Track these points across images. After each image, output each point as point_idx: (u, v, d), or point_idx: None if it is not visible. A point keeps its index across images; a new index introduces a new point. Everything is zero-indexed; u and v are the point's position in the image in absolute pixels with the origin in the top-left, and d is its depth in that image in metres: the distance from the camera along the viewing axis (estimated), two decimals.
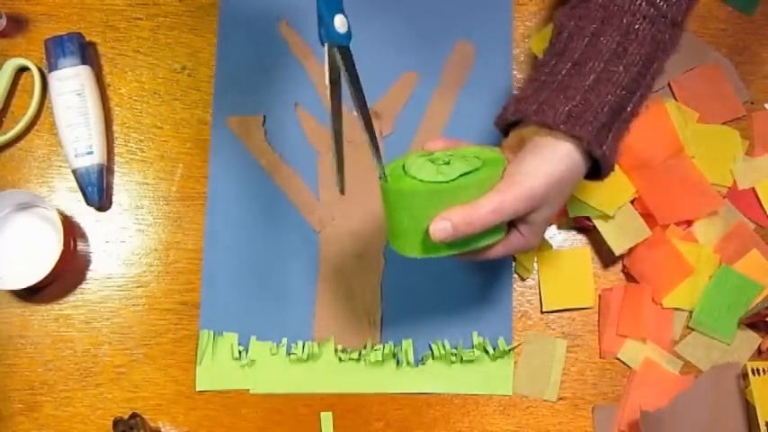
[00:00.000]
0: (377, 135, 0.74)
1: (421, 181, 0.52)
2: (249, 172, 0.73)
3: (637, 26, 0.55)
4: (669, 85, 0.75)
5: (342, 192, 0.56)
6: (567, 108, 0.53)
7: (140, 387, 0.70)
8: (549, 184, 0.53)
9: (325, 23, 0.51)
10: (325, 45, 0.51)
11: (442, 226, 0.51)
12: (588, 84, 0.54)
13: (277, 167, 0.74)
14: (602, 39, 0.55)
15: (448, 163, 0.52)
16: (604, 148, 0.54)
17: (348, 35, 0.52)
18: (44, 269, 0.67)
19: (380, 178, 0.53)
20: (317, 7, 0.51)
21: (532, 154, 0.53)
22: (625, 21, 0.55)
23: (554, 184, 0.53)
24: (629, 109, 0.56)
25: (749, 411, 0.67)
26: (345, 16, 0.51)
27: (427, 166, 0.53)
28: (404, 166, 0.54)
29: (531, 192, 0.52)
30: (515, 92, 0.73)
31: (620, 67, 0.54)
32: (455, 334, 0.71)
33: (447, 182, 0.52)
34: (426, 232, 0.52)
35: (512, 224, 0.56)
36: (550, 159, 0.53)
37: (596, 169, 0.56)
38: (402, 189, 0.52)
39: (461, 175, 0.52)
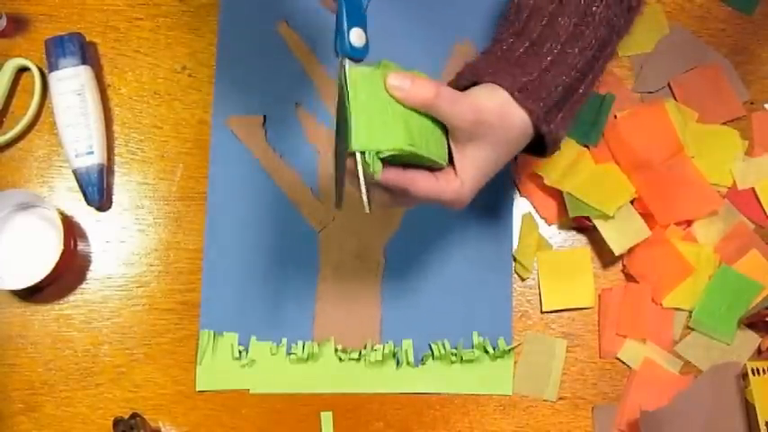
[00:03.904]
0: None
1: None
2: (249, 172, 0.73)
3: (594, 8, 0.55)
4: (669, 85, 0.75)
5: (338, 206, 0.53)
6: (523, 80, 0.53)
7: (140, 387, 0.70)
8: (499, 112, 0.52)
9: (340, 35, 0.50)
10: (339, 57, 0.50)
11: (401, 80, 0.49)
12: (545, 65, 0.54)
13: (277, 167, 0.74)
14: (559, 20, 0.55)
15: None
16: (552, 126, 0.54)
17: (363, 50, 0.51)
18: (44, 269, 0.67)
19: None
20: (337, 15, 0.50)
21: (486, 88, 0.53)
22: (583, 2, 0.55)
23: (503, 118, 0.52)
24: (580, 90, 0.56)
25: (749, 411, 0.67)
26: (365, 31, 0.51)
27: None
28: None
29: (480, 105, 0.51)
30: None
31: (576, 50, 0.55)
32: (455, 334, 0.71)
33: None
34: (387, 118, 0.49)
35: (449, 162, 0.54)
36: (505, 98, 0.53)
37: (543, 146, 0.56)
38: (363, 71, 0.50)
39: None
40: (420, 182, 0.51)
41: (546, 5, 0.56)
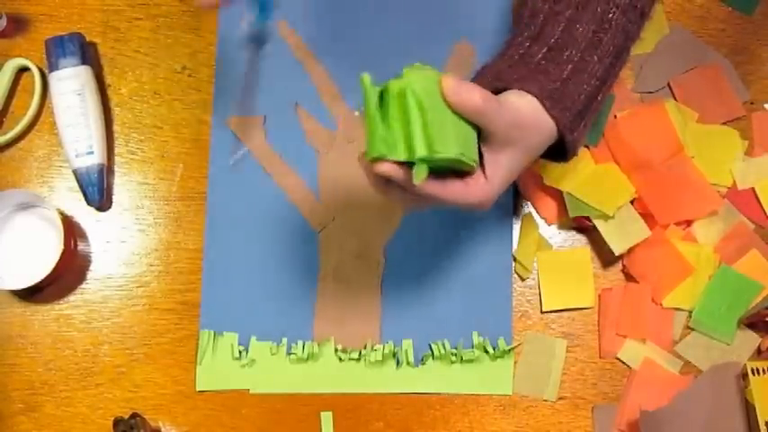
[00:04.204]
0: None
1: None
2: (249, 172, 0.73)
3: (610, 15, 0.55)
4: (669, 85, 0.75)
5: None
6: (549, 88, 0.53)
7: (141, 387, 0.70)
8: (534, 119, 0.52)
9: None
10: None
11: (457, 84, 0.48)
12: (567, 74, 0.54)
13: (277, 167, 0.74)
14: (577, 26, 0.55)
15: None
16: (575, 134, 0.55)
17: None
18: (44, 269, 0.67)
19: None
20: None
21: (516, 95, 0.53)
22: (599, 9, 0.55)
23: (537, 125, 0.53)
24: (599, 98, 0.57)
25: (749, 411, 0.67)
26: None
27: (429, 68, 0.50)
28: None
29: (518, 112, 0.51)
30: None
31: (595, 58, 0.55)
32: (455, 334, 0.71)
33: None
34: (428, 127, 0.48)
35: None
36: (536, 105, 0.53)
37: (560, 151, 0.57)
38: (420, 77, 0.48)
39: None
40: (457, 192, 0.51)
41: (563, 10, 0.56)
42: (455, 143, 0.48)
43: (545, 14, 0.57)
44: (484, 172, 0.52)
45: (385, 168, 0.48)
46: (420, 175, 0.48)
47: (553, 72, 0.54)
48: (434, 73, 0.49)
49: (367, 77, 0.49)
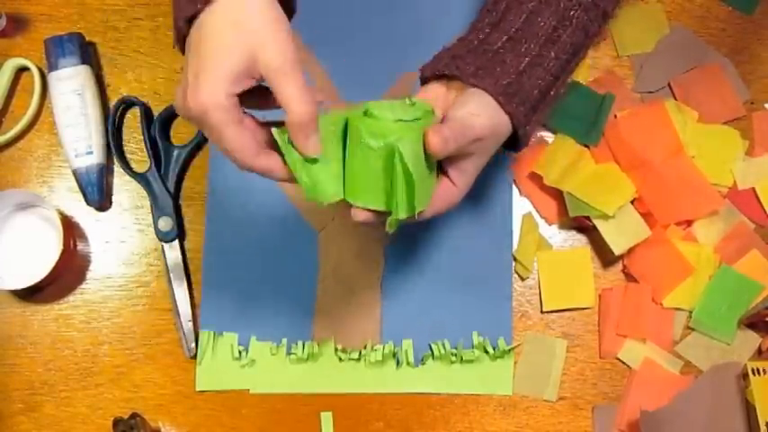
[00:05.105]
0: None
1: (403, 120, 0.50)
2: (249, 172, 0.73)
3: (572, 12, 0.56)
4: (669, 85, 0.75)
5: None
6: (503, 82, 0.54)
7: (140, 387, 0.70)
8: (491, 128, 0.54)
9: (154, 224, 0.70)
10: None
11: (440, 135, 0.49)
12: (523, 66, 0.55)
13: None
14: (539, 19, 0.56)
15: (413, 104, 0.53)
16: (528, 127, 0.56)
17: (170, 233, 0.70)
18: (44, 269, 0.67)
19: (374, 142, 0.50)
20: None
21: (474, 97, 0.54)
22: (562, 5, 0.56)
23: (495, 132, 0.54)
24: (552, 93, 0.58)
25: (749, 411, 0.67)
26: (172, 217, 0.70)
27: (396, 106, 0.52)
28: (365, 113, 0.51)
29: (476, 129, 0.52)
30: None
31: (552, 54, 0.56)
32: (455, 334, 0.71)
33: (420, 118, 0.51)
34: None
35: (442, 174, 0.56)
36: (492, 107, 0.54)
37: (513, 141, 0.58)
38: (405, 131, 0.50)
39: (425, 112, 0.52)
40: (433, 204, 0.54)
41: (526, 1, 0.56)
42: (428, 196, 0.52)
43: (508, 2, 0.57)
44: (449, 178, 0.55)
45: (364, 216, 0.52)
46: (393, 226, 0.51)
47: (509, 63, 0.55)
48: (416, 125, 0.50)
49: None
